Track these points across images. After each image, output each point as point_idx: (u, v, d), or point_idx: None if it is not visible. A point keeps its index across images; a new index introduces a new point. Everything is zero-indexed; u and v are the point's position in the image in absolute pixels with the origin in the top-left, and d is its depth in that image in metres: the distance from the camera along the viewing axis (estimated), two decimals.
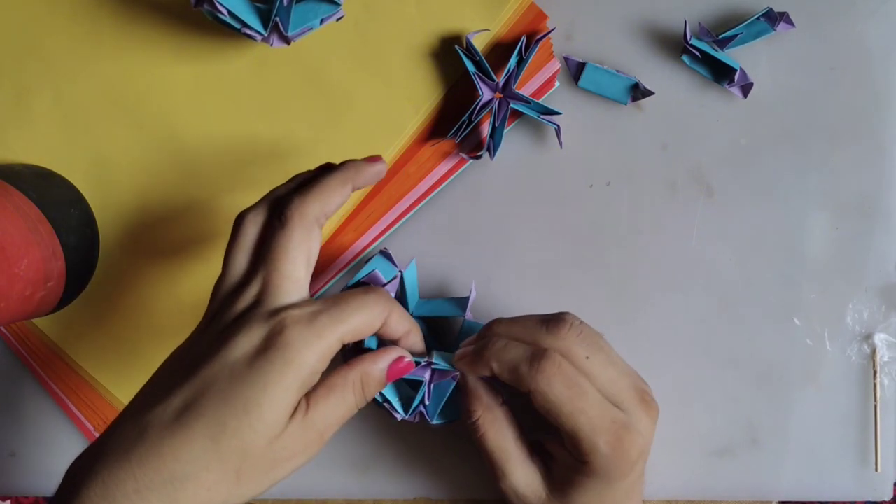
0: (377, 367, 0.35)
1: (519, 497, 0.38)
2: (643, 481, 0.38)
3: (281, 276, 0.33)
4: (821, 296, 0.44)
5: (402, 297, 0.41)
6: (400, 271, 0.41)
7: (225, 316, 0.33)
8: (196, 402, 0.30)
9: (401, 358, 0.36)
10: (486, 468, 0.38)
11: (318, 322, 0.32)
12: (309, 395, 0.33)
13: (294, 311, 0.32)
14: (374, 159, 0.37)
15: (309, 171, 0.37)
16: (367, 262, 0.40)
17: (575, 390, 0.34)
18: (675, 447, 0.44)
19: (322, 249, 0.44)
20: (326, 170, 0.36)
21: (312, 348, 0.31)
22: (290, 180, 0.37)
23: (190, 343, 0.34)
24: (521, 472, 0.37)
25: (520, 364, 0.35)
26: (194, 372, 0.31)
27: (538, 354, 0.35)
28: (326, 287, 0.45)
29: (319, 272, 0.44)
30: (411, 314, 0.41)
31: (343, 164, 0.37)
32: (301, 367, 0.31)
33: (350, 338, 0.33)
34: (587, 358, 0.35)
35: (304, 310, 0.32)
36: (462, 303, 0.42)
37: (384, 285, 0.40)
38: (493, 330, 0.37)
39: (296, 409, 0.32)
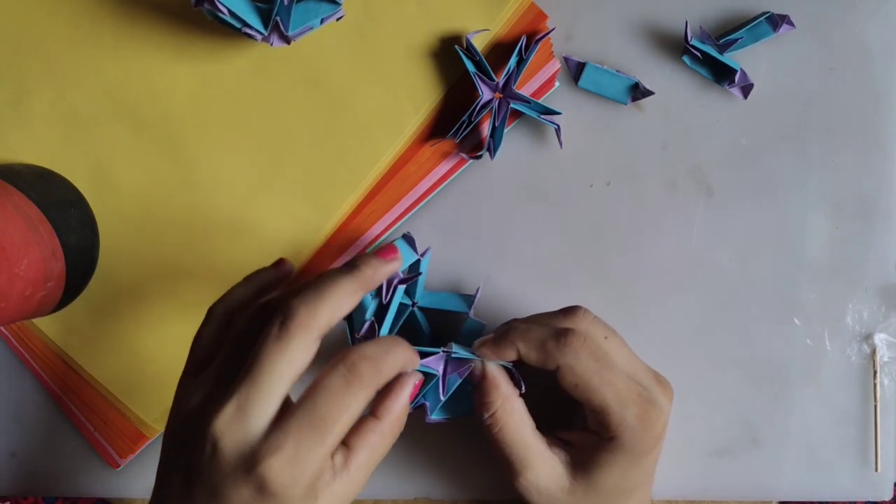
0: (400, 405, 0.33)
1: (540, 491, 0.37)
2: (654, 470, 0.39)
3: (261, 394, 0.30)
4: (821, 296, 0.44)
5: (412, 284, 0.42)
6: (419, 258, 0.41)
7: (197, 436, 0.30)
8: None
9: (418, 384, 0.35)
10: (500, 466, 0.38)
11: (300, 456, 0.30)
12: (348, 457, 0.32)
13: (272, 461, 0.29)
14: (388, 253, 0.36)
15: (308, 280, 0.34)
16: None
17: (602, 362, 0.35)
18: (675, 447, 0.44)
19: (322, 249, 0.44)
20: (333, 273, 0.34)
21: (301, 484, 0.30)
22: (249, 278, 0.37)
23: (174, 453, 0.32)
24: (543, 464, 0.37)
25: (546, 340, 0.36)
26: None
27: (563, 331, 0.36)
28: None
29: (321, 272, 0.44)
30: (415, 303, 0.42)
31: (355, 265, 0.34)
32: (299, 499, 0.30)
33: (342, 435, 0.31)
34: (606, 338, 0.37)
35: (282, 451, 0.29)
36: (468, 300, 0.42)
37: (400, 280, 0.40)
38: (511, 322, 0.38)
39: (340, 468, 0.31)
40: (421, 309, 0.42)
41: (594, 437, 0.37)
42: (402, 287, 0.40)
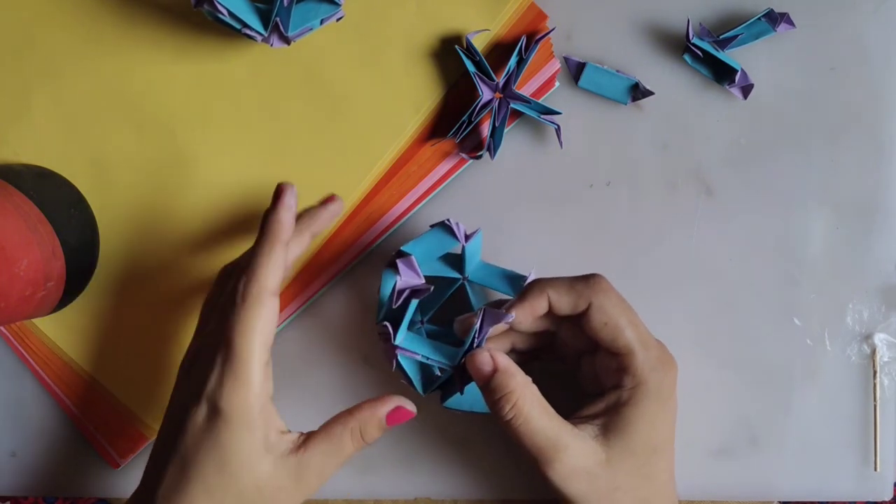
0: (376, 416, 0.36)
1: (578, 472, 0.35)
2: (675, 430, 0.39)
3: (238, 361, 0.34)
4: (821, 296, 0.44)
5: (460, 263, 0.41)
6: (463, 246, 0.40)
7: (189, 389, 0.35)
8: (185, 473, 0.34)
9: (400, 407, 0.36)
10: (528, 460, 0.36)
11: (239, 374, 0.34)
12: (309, 437, 0.35)
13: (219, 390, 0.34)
14: (328, 200, 0.40)
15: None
16: (431, 227, 0.40)
17: (627, 304, 0.38)
18: (676, 447, 0.44)
19: (322, 248, 0.44)
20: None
21: (245, 399, 0.34)
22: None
23: (169, 410, 0.37)
24: (577, 442, 0.36)
25: (575, 282, 0.37)
26: (176, 446, 0.35)
27: (589, 275, 0.38)
28: (332, 281, 0.45)
29: (321, 272, 0.44)
30: (466, 277, 0.41)
31: (300, 215, 0.38)
32: (244, 416, 0.34)
33: (269, 347, 0.35)
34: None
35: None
36: (517, 284, 0.41)
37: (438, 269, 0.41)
38: (532, 281, 0.39)
39: (297, 446, 0.35)
40: (471, 284, 0.42)
41: (616, 396, 0.37)
42: (415, 301, 0.39)
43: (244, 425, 0.34)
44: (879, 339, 0.44)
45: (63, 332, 0.45)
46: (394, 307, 0.39)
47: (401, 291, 0.40)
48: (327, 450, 0.35)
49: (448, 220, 0.40)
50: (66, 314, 0.44)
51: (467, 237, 0.40)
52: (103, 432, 0.45)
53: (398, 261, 0.40)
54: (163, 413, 0.44)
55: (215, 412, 0.34)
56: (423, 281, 0.40)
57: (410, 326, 0.41)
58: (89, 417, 0.45)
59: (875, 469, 0.44)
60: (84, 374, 0.45)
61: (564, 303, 0.37)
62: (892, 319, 0.44)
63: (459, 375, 0.38)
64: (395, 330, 0.38)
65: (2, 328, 0.45)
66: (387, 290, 0.40)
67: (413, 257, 0.40)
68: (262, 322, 0.34)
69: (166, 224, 0.44)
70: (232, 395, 0.34)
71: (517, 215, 0.44)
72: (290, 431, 0.36)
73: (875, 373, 0.44)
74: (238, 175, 0.44)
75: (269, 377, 0.35)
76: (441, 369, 0.39)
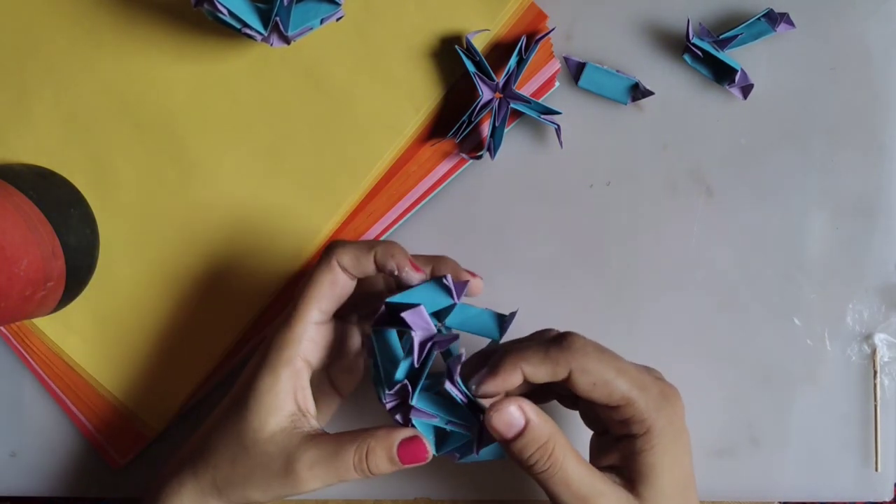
0: (389, 440, 0.34)
1: None
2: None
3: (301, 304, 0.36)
4: (821, 296, 0.44)
5: (440, 314, 0.36)
6: (455, 303, 0.35)
7: None
8: (233, 388, 0.38)
9: (417, 439, 0.34)
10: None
11: (290, 318, 0.36)
12: (321, 437, 0.34)
13: (278, 321, 0.37)
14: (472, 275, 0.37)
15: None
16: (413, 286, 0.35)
17: (608, 354, 0.35)
18: None
19: (322, 249, 0.44)
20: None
21: (285, 340, 0.35)
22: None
23: None
24: (612, 490, 0.34)
25: (548, 349, 0.34)
26: None
27: (560, 336, 0.35)
28: None
29: None
30: (443, 324, 0.36)
31: (386, 242, 0.37)
32: (276, 360, 0.35)
33: (324, 312, 0.36)
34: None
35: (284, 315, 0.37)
36: (500, 323, 0.37)
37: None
38: (499, 348, 0.36)
39: (308, 434, 0.35)
40: (448, 327, 0.37)
41: (629, 446, 0.35)
42: (436, 351, 0.34)
43: (272, 369, 0.35)
44: (879, 339, 0.44)
45: (63, 331, 0.45)
46: (416, 365, 0.34)
47: (422, 344, 0.34)
48: (327, 451, 0.34)
49: (446, 277, 0.35)
50: (65, 314, 0.44)
51: (459, 292, 0.36)
52: (103, 432, 0.45)
53: (406, 314, 0.34)
54: (163, 413, 0.45)
55: (269, 341, 0.36)
56: (436, 329, 0.35)
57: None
58: (89, 417, 0.45)
59: (875, 469, 0.44)
60: (84, 374, 0.45)
61: (541, 374, 0.34)
62: (892, 319, 0.44)
63: (478, 437, 0.35)
64: (414, 389, 0.34)
65: (2, 328, 0.45)
66: (394, 351, 0.35)
67: (422, 307, 0.34)
68: (325, 299, 0.36)
69: (166, 224, 0.44)
70: (282, 332, 0.36)
71: (517, 215, 0.44)
72: (316, 420, 0.36)
73: (875, 373, 0.44)
74: (238, 174, 0.44)
75: (320, 346, 0.36)
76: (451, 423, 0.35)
